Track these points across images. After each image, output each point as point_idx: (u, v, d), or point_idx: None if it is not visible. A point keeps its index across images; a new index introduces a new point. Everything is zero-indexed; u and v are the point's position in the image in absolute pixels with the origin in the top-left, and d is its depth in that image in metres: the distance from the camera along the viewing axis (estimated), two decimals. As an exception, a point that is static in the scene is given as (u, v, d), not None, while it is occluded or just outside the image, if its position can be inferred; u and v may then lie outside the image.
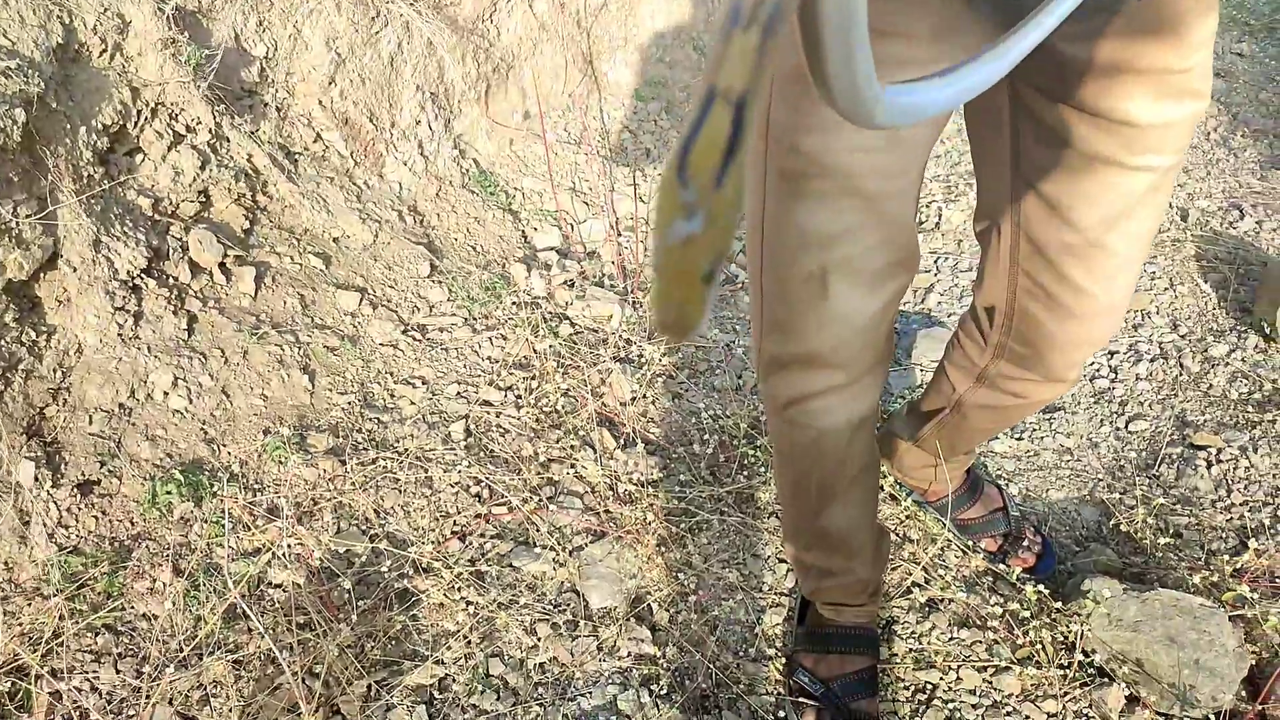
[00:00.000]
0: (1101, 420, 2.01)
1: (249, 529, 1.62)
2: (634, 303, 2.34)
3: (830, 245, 0.99)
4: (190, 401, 1.72)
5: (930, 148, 1.01)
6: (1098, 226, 1.00)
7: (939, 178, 3.06)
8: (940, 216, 2.84)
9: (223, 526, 1.60)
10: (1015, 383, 1.25)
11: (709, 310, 0.33)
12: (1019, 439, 1.97)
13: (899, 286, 1.07)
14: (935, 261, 2.65)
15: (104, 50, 1.72)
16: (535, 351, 2.13)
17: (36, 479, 1.53)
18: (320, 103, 2.16)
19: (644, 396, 2.05)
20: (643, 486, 1.80)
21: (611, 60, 3.19)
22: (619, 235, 2.57)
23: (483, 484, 1.79)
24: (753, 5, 0.27)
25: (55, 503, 1.54)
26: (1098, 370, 2.15)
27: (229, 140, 1.95)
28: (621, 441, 1.93)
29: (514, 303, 2.26)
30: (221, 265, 1.87)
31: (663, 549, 1.68)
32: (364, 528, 1.68)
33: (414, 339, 2.08)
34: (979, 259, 1.22)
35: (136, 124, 1.78)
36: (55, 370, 1.60)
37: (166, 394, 1.70)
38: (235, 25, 1.98)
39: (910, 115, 0.46)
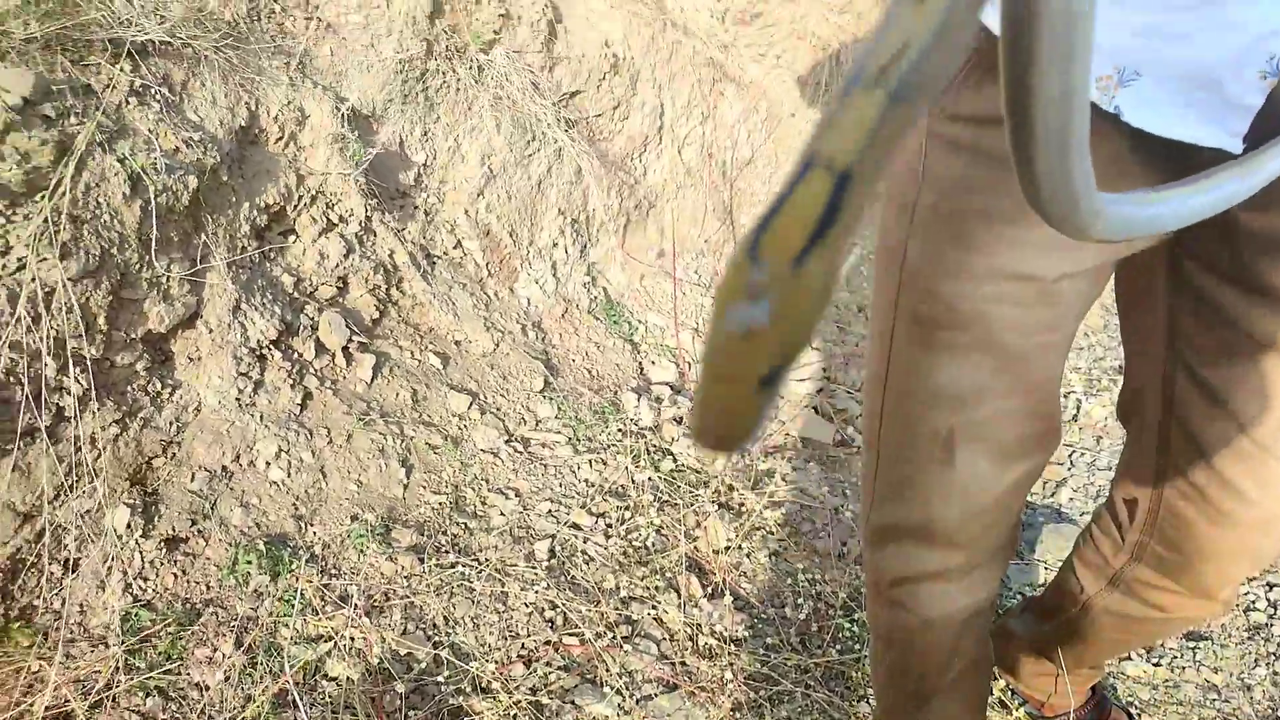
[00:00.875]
0: (1256, 660, 1.76)
1: (317, 613, 1.58)
2: (742, 449, 2.26)
3: (961, 406, 0.89)
4: (289, 475, 1.72)
5: (1088, 307, 0.91)
6: (1270, 428, 0.86)
7: (1080, 370, 2.92)
8: (1079, 409, 2.68)
9: (292, 605, 1.56)
10: (1155, 592, 1.07)
11: (761, 427, 0.26)
12: (1156, 664, 1.75)
13: (1034, 464, 0.95)
14: (1070, 456, 2.47)
15: (280, 138, 1.85)
16: (633, 482, 2.07)
17: (129, 526, 1.54)
18: (466, 212, 2.25)
19: (739, 547, 1.94)
20: (725, 642, 1.67)
21: (751, 212, 3.24)
22: (735, 379, 2.53)
23: (558, 610, 1.69)
24: (881, 66, 0.22)
25: (141, 553, 1.54)
26: (1254, 602, 1.91)
27: (375, 234, 2.04)
28: (709, 590, 1.81)
29: (620, 429, 2.22)
30: (345, 349, 1.91)
31: (737, 714, 1.53)
32: (430, 633, 1.60)
33: (515, 450, 2.05)
34: (1124, 446, 1.09)
35: (295, 207, 1.88)
36: (171, 423, 1.64)
37: (268, 464, 1.71)
38: (401, 132, 2.10)
39: (1130, 229, 0.40)
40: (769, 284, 0.22)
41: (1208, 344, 0.88)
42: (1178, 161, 0.74)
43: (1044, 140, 0.30)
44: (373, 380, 1.95)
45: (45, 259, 1.38)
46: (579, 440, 2.15)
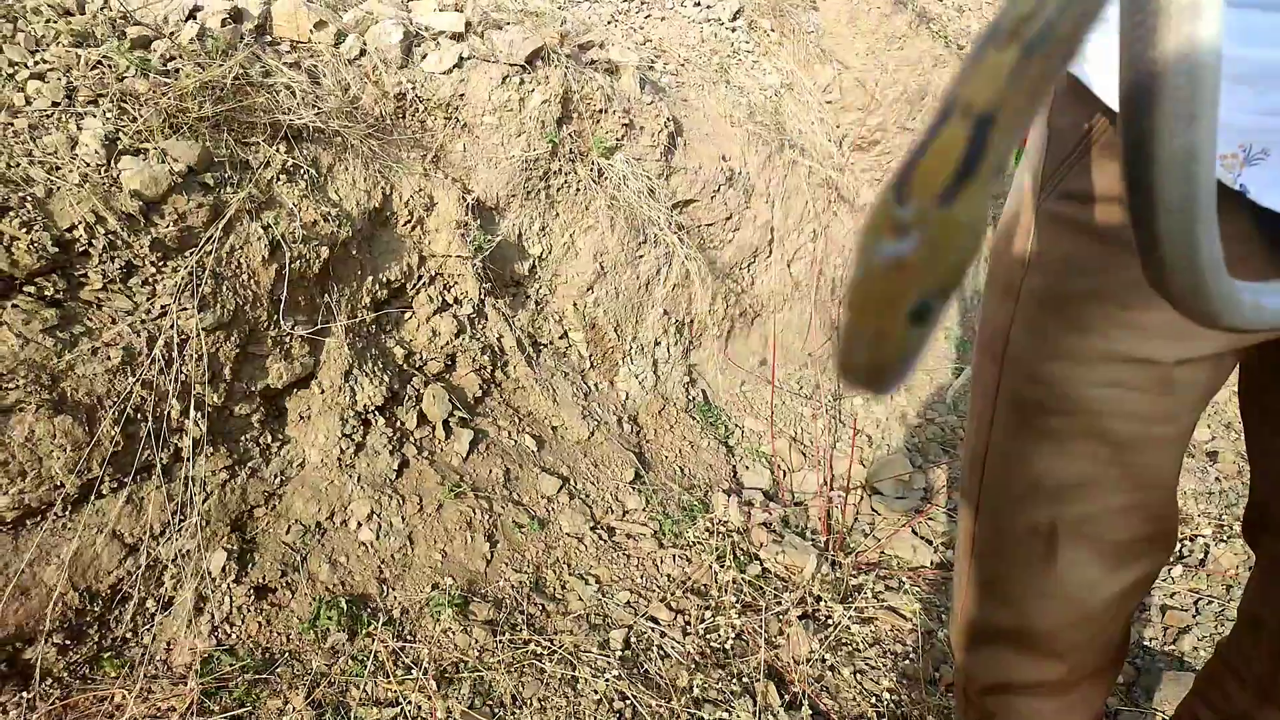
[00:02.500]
0: None
1: (388, 677, 1.58)
2: (833, 562, 2.19)
3: (1064, 497, 0.84)
4: (378, 537, 1.76)
5: (1207, 398, 0.85)
6: None
7: (1210, 515, 2.72)
8: (1208, 554, 2.48)
9: (364, 666, 1.57)
10: None
11: (911, 365, 0.26)
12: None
13: (1146, 571, 0.88)
14: (1196, 603, 2.28)
15: (408, 220, 1.98)
16: (717, 581, 2.02)
17: (224, 570, 1.60)
18: (575, 305, 2.33)
19: (822, 660, 1.85)
20: (799, 755, 1.57)
21: (857, 330, 3.23)
22: (831, 491, 2.47)
23: (628, 701, 1.64)
24: (1014, 22, 0.24)
25: (231, 598, 1.59)
26: None
27: (487, 317, 2.13)
28: (787, 701, 1.73)
29: (707, 529, 2.19)
30: (445, 422, 1.98)
31: (807, 833, 1.43)
32: (496, 709, 1.58)
33: (600, 537, 2.05)
34: (1251, 569, 1.00)
35: (414, 285, 2.00)
36: (276, 476, 1.72)
37: (360, 524, 1.76)
38: (521, 224, 2.22)
39: (1263, 320, 0.38)
40: (916, 220, 0.24)
41: None
42: None
43: (1167, 211, 0.29)
44: (469, 455, 2.00)
45: (185, 308, 1.50)
46: (665, 534, 2.13)
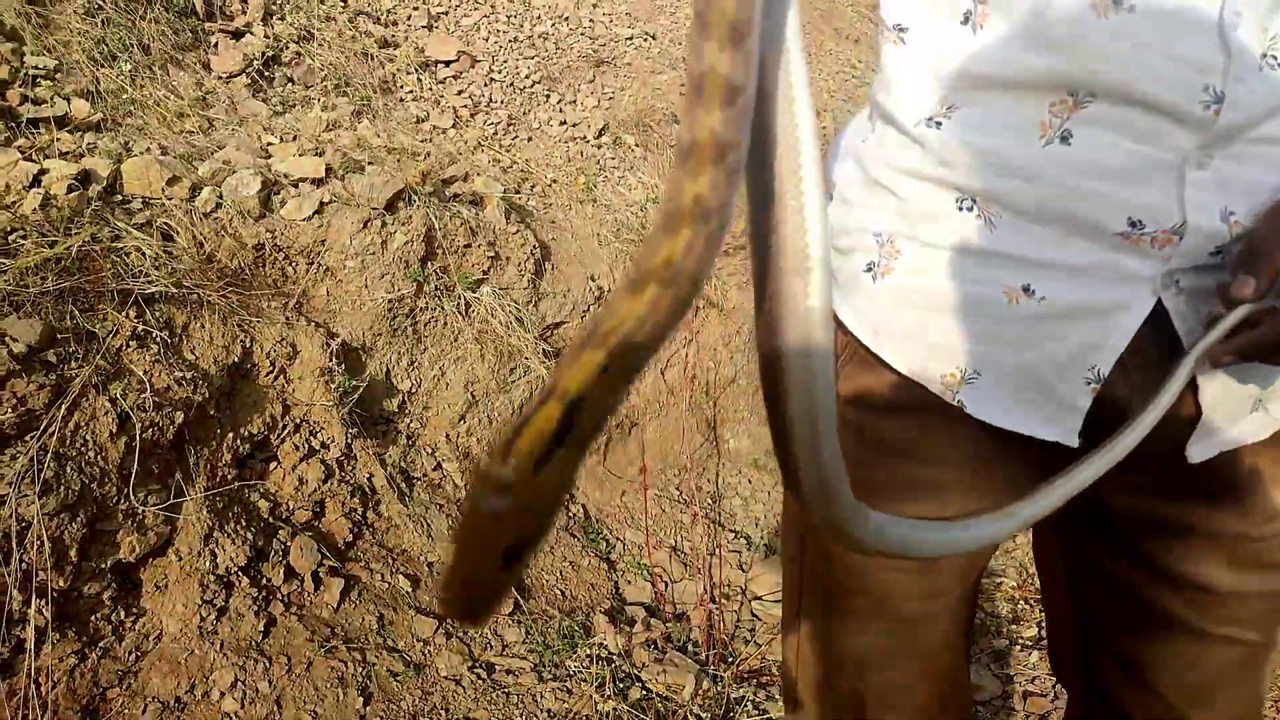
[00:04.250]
0: None
1: None
2: (714, 676, 2.23)
3: (865, 671, 0.92)
4: (242, 706, 1.72)
5: (974, 574, 0.95)
6: (1181, 698, 0.87)
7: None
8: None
9: None
10: None
11: (502, 600, 0.32)
12: None
13: None
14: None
15: (270, 371, 1.98)
16: (598, 712, 2.03)
17: (72, 762, 1.53)
18: (447, 436, 2.35)
19: (703, 785, 1.88)
20: None
21: (735, 430, 3.34)
22: (712, 601, 2.52)
23: None
24: (605, 332, 0.30)
25: (80, 791, 1.52)
26: None
27: (356, 459, 2.13)
28: (667, 835, 1.75)
29: (588, 655, 2.21)
30: (314, 573, 1.96)
31: None
32: None
33: (478, 677, 2.04)
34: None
35: (279, 435, 1.99)
36: (131, 653, 1.67)
37: (223, 694, 1.72)
38: (388, 362, 2.25)
39: (897, 548, 0.46)
40: (513, 482, 0.29)
41: (1114, 614, 0.91)
42: (1028, 448, 0.81)
43: (797, 444, 0.37)
44: (340, 604, 1.97)
45: (26, 495, 1.47)
46: (545, 666, 2.14)
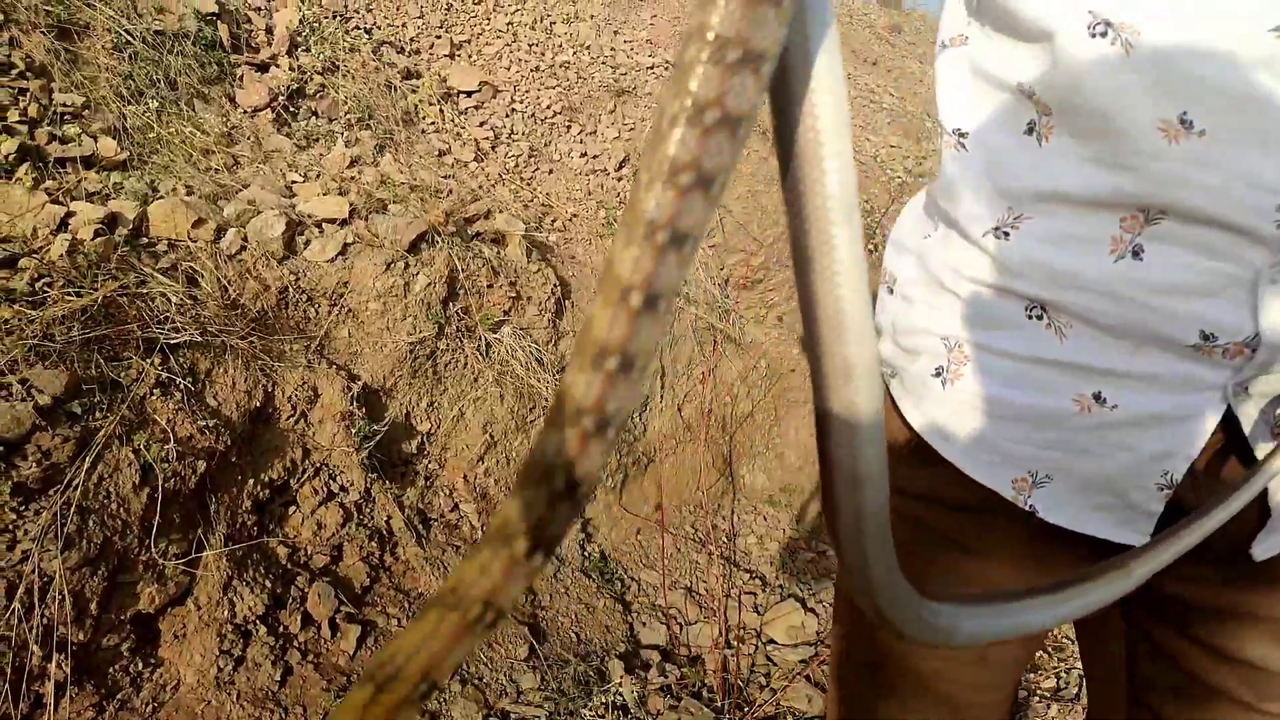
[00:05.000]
0: None
1: None
2: (728, 725, 2.22)
3: None
4: (257, 759, 1.71)
5: (1023, 667, 0.95)
6: None
7: (1081, 638, 2.86)
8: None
9: None
10: None
11: None
12: None
13: None
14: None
15: (291, 415, 1.98)
16: (612, 764, 2.02)
17: (88, 817, 1.52)
18: (465, 477, 2.35)
19: (718, 844, 1.86)
20: None
21: (750, 465, 3.32)
22: (727, 645, 2.51)
23: None
24: (375, 667, 0.29)
25: (95, 847, 1.51)
26: None
27: (375, 501, 2.12)
28: None
29: (603, 703, 2.19)
30: (331, 620, 1.95)
31: None
32: None
33: (492, 727, 2.03)
34: None
35: (299, 480, 1.98)
36: (148, 704, 1.66)
37: (238, 746, 1.71)
38: (409, 404, 2.24)
39: (950, 639, 0.45)
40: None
41: (1164, 685, 0.90)
42: (1084, 547, 0.81)
43: (849, 552, 0.36)
44: (356, 651, 1.96)
45: (49, 549, 1.46)
46: (560, 715, 2.12)
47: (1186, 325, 0.69)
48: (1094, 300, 0.72)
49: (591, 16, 4.20)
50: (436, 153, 2.94)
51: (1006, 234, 0.76)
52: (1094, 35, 0.67)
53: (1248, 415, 0.72)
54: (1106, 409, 0.75)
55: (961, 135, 0.79)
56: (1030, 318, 0.77)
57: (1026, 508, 0.80)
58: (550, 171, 3.25)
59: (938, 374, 0.83)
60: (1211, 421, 0.73)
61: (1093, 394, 0.75)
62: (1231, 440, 0.74)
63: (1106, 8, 0.66)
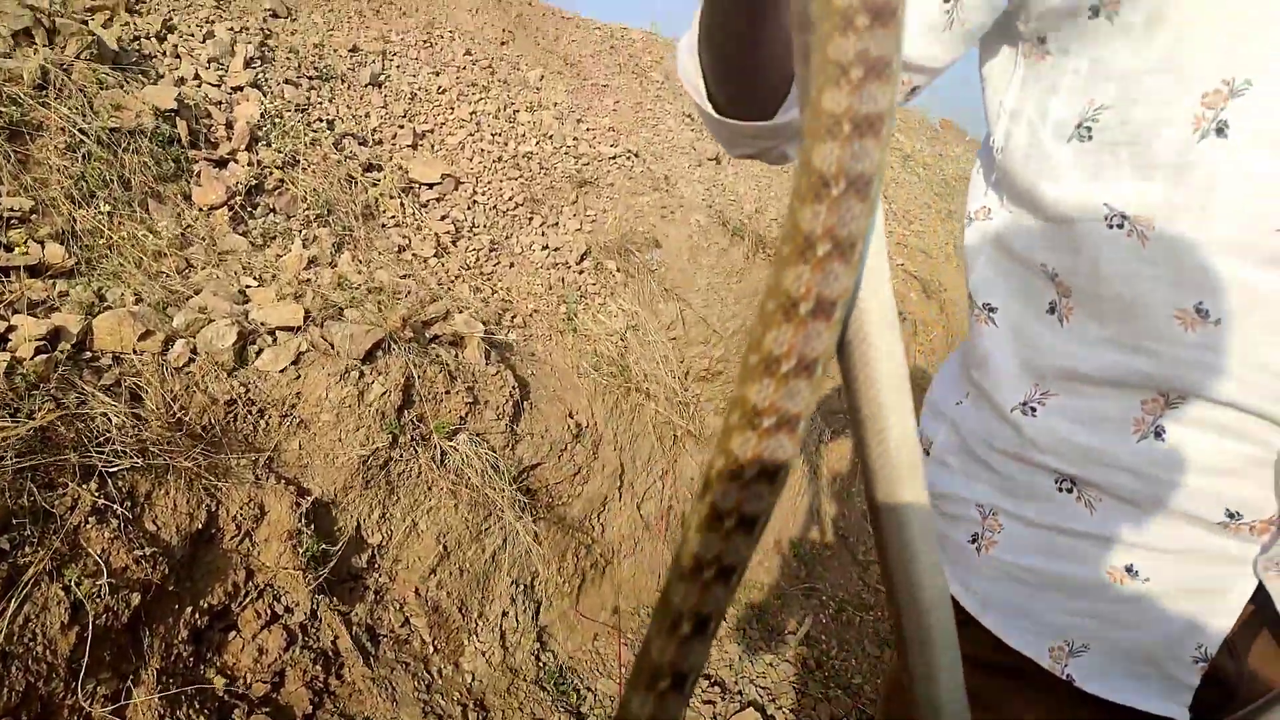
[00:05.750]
0: None
1: None
2: None
3: None
4: None
5: None
6: None
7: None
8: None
9: None
10: None
11: None
12: None
13: None
14: None
15: (235, 534, 1.91)
16: None
17: None
18: (417, 590, 2.28)
19: None
20: None
21: (709, 561, 3.28)
22: (683, 762, 2.44)
23: None
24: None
25: None
26: None
27: (320, 621, 2.05)
28: None
29: (555, 833, 2.11)
30: (270, 754, 1.86)
31: None
32: None
33: None
34: None
35: (240, 603, 1.90)
36: None
37: None
38: (359, 515, 2.18)
39: None
40: None
41: None
42: (1124, 714, 0.80)
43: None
44: (295, 787, 1.87)
45: (-35, 703, 1.37)
46: None
47: (1211, 503, 0.71)
48: (1120, 477, 0.74)
49: (555, 104, 4.25)
50: (396, 248, 2.92)
51: (1034, 410, 0.78)
52: (1111, 226, 0.69)
53: (1278, 589, 0.73)
54: (1139, 581, 0.76)
55: (991, 309, 0.82)
56: (1060, 490, 0.79)
57: (1064, 676, 0.81)
58: (511, 265, 3.24)
59: (973, 540, 0.85)
60: (1243, 595, 0.74)
61: (1124, 566, 0.76)
62: (1264, 612, 0.75)
63: (1121, 202, 0.68)
